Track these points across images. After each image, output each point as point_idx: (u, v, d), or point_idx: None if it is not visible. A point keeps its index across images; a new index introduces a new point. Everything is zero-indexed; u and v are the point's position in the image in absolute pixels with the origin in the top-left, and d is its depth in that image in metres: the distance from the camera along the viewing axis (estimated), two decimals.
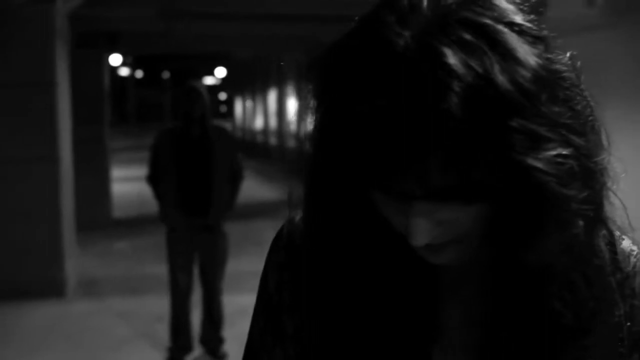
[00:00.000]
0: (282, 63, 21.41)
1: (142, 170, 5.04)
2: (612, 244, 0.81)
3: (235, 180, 5.03)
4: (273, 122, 23.60)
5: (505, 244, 0.69)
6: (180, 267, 4.96)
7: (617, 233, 0.83)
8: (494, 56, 0.63)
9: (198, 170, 4.82)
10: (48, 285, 6.90)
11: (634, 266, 0.82)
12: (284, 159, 21.23)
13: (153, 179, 4.99)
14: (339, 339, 0.80)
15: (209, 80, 50.85)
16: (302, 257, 0.85)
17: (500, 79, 0.62)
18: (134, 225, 11.23)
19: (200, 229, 4.88)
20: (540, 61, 0.65)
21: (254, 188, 15.19)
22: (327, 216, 0.78)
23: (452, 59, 0.62)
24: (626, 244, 0.84)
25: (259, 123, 26.80)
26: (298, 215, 0.88)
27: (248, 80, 28.60)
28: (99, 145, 11.16)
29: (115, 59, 22.72)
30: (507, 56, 0.63)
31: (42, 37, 6.79)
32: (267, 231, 10.06)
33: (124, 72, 46.15)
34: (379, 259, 0.79)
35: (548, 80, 0.66)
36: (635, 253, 0.84)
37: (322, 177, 0.75)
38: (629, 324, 0.80)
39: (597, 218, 0.74)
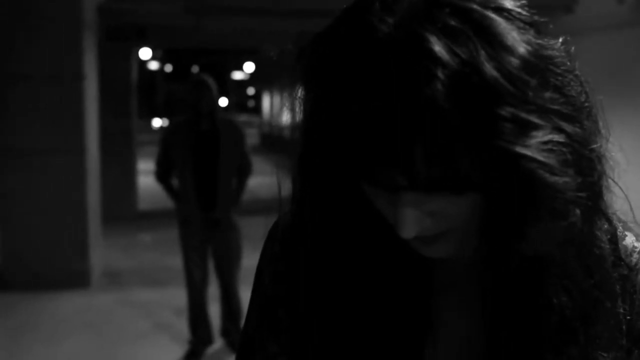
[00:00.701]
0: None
1: (154, 164, 5.06)
2: (615, 237, 0.80)
3: (242, 175, 5.01)
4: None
5: (498, 234, 0.67)
6: (194, 261, 4.97)
7: (620, 228, 0.81)
8: (480, 43, 0.61)
9: (207, 164, 4.82)
10: (73, 276, 6.98)
11: (637, 264, 0.80)
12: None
13: (162, 175, 5.00)
14: (333, 333, 0.80)
15: (237, 75, 50.99)
16: (295, 250, 0.84)
17: (487, 66, 0.60)
18: (158, 217, 11.30)
19: (211, 223, 4.89)
20: (529, 47, 0.64)
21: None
22: (317, 209, 0.77)
23: (436, 45, 0.60)
24: (629, 240, 0.82)
25: (286, 118, 26.78)
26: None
27: (276, 75, 28.63)
28: (126, 138, 11.25)
29: (145, 53, 22.88)
30: (494, 43, 0.62)
31: (71, 29, 6.85)
32: None
33: (154, 66, 46.47)
34: (371, 252, 0.78)
35: (538, 66, 0.64)
36: (638, 250, 0.81)
37: (310, 169, 0.74)
38: (629, 317, 0.78)
39: (595, 207, 0.72)
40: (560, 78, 0.67)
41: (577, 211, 0.67)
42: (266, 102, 33.61)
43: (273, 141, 26.28)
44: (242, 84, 52.79)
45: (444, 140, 0.60)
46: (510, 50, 0.62)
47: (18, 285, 6.84)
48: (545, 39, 0.67)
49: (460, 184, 0.64)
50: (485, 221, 0.68)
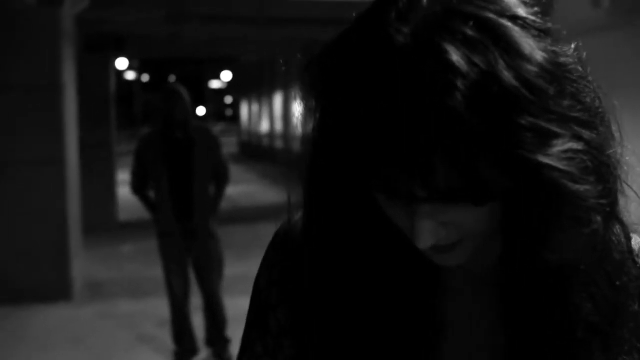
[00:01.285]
0: (283, 65, 21.37)
1: (129, 176, 5.03)
2: (629, 240, 0.79)
3: (219, 183, 4.98)
4: (279, 125, 23.62)
5: (521, 243, 0.67)
6: (175, 272, 4.93)
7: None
8: (498, 51, 0.60)
9: (182, 174, 4.79)
10: (55, 288, 6.91)
11: None
12: (290, 162, 21.23)
13: (137, 187, 4.96)
14: (339, 339, 0.79)
15: (215, 84, 50.94)
16: (298, 257, 0.83)
17: (506, 75, 0.59)
18: (139, 228, 11.22)
19: (189, 233, 4.86)
20: (546, 55, 0.63)
21: (260, 192, 15.19)
22: (328, 217, 0.76)
23: (454, 55, 0.59)
24: (635, 242, 0.81)
25: (265, 126, 26.82)
26: (296, 216, 0.87)
27: (254, 84, 28.64)
28: (105, 149, 11.19)
29: (121, 63, 22.78)
30: (512, 51, 0.61)
31: (50, 40, 6.80)
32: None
33: (131, 76, 46.26)
34: (380, 258, 0.77)
35: (555, 74, 0.63)
36: None
37: (323, 179, 0.74)
38: None
39: (613, 212, 0.71)
40: (575, 85, 0.66)
41: (599, 218, 0.67)
42: (244, 110, 33.57)
43: (252, 149, 26.26)
44: (220, 93, 52.73)
45: (464, 150, 0.59)
46: (527, 59, 0.61)
47: None
48: (559, 46, 0.67)
49: (480, 194, 0.63)
50: (507, 230, 0.68)
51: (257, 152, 25.82)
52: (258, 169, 20.03)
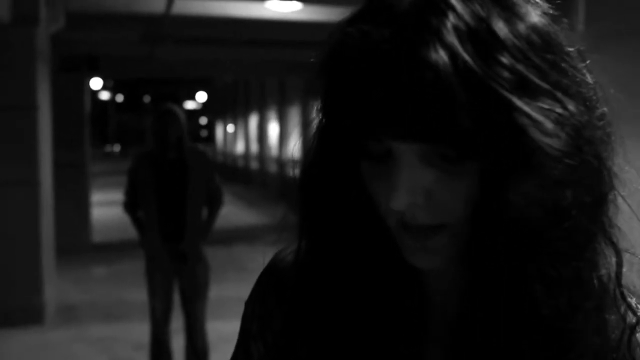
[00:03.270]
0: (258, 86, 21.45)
1: (122, 195, 4.97)
2: (619, 264, 0.73)
3: (212, 206, 4.94)
4: (254, 146, 23.61)
5: (486, 194, 0.65)
6: (158, 295, 4.86)
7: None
8: (495, 7, 0.64)
9: (174, 195, 4.74)
10: (27, 312, 6.78)
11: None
12: (265, 183, 21.21)
13: (130, 206, 4.92)
14: (329, 346, 0.79)
15: (189, 105, 50.86)
16: (284, 291, 0.84)
17: (498, 24, 0.62)
18: (113, 250, 11.13)
19: (179, 256, 4.81)
20: (542, 19, 0.66)
21: (234, 213, 15.13)
22: (321, 221, 0.77)
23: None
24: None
25: (240, 148, 26.80)
26: (285, 251, 0.88)
27: (229, 105, 28.65)
28: (79, 170, 11.09)
29: (95, 83, 22.67)
30: (509, 9, 0.64)
31: (24, 60, 6.74)
32: (249, 256, 10.00)
33: (105, 96, 46.06)
34: (369, 268, 0.77)
35: (546, 38, 0.66)
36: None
37: (320, 183, 0.76)
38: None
39: (598, 198, 0.68)
40: (567, 59, 0.67)
41: (568, 192, 0.65)
42: (219, 131, 33.53)
43: (228, 171, 26.19)
44: (195, 114, 52.63)
45: (437, 82, 0.60)
46: (521, 18, 0.64)
47: None
48: (560, 28, 0.68)
49: (456, 139, 0.62)
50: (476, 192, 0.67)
51: (232, 173, 25.76)
52: (233, 190, 19.97)
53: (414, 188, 0.65)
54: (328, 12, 7.76)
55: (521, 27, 0.64)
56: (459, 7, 0.62)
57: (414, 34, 0.62)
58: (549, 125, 0.62)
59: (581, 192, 0.66)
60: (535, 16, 0.66)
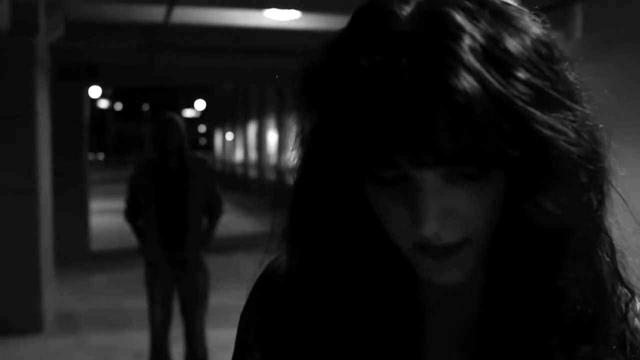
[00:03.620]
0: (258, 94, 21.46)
1: (121, 203, 4.98)
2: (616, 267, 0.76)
3: (213, 214, 4.96)
4: (253, 154, 23.60)
5: (512, 205, 0.68)
6: (158, 302, 4.87)
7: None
8: (501, 23, 0.64)
9: (175, 203, 4.76)
10: (26, 320, 6.77)
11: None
12: (263, 192, 21.20)
13: (130, 214, 4.93)
14: (328, 354, 0.79)
15: (188, 113, 50.90)
16: (278, 301, 0.84)
17: (510, 41, 0.63)
18: (112, 258, 11.11)
19: (179, 264, 4.81)
20: (543, 31, 0.68)
21: (233, 221, 15.11)
22: (317, 227, 0.77)
23: (458, 17, 0.63)
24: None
25: (238, 156, 26.79)
26: (280, 259, 0.88)
27: (228, 113, 28.66)
28: (78, 178, 11.08)
29: (94, 91, 22.68)
30: (512, 24, 0.65)
31: (24, 68, 6.74)
32: (247, 265, 9.99)
33: (104, 104, 46.09)
34: (365, 274, 0.77)
35: (551, 49, 0.67)
36: None
37: (313, 195, 0.75)
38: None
39: (604, 196, 0.71)
40: (567, 68, 0.69)
41: (588, 183, 0.68)
42: (218, 139, 33.53)
43: (227, 179, 26.19)
44: (193, 122, 52.66)
45: (470, 107, 0.60)
46: (524, 32, 0.66)
47: None
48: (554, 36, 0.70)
49: (484, 159, 0.63)
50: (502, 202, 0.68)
51: (231, 182, 25.75)
52: (232, 198, 19.95)
53: (441, 212, 0.65)
54: (327, 20, 7.77)
55: (527, 40, 0.65)
56: (468, 27, 0.62)
57: (435, 61, 0.61)
58: (571, 134, 0.65)
59: (596, 192, 0.69)
60: (536, 28, 0.67)
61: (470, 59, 0.61)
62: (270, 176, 20.48)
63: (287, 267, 0.84)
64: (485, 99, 0.60)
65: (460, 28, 0.62)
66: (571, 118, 0.65)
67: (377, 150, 0.63)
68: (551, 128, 0.63)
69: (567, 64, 0.70)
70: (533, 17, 0.69)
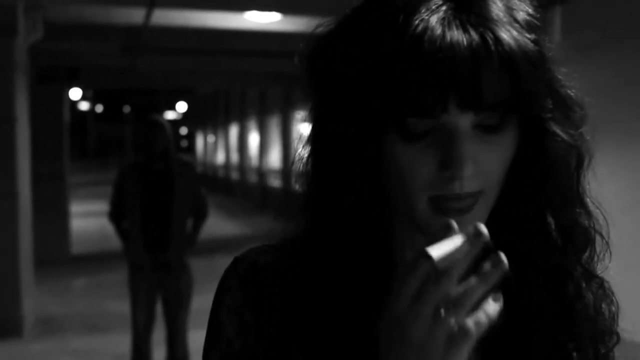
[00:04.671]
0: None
1: (102, 205, 4.98)
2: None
3: (198, 217, 4.96)
4: (234, 157, 23.56)
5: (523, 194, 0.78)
6: (141, 304, 4.85)
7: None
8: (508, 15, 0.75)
9: (160, 206, 4.76)
10: (5, 324, 6.72)
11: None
12: (245, 194, 21.16)
13: (115, 216, 4.91)
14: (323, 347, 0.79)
15: (170, 115, 50.70)
16: (267, 283, 0.83)
17: (517, 11, 0.75)
18: (93, 261, 11.05)
19: (163, 266, 4.80)
20: (532, 11, 0.78)
21: (215, 223, 15.07)
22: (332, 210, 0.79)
23: None
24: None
25: (220, 158, 26.73)
26: (252, 253, 0.86)
27: (209, 115, 28.59)
28: (58, 181, 11.01)
29: (75, 93, 22.54)
30: (510, 1, 0.76)
31: (2, 71, 6.69)
32: None
33: (84, 106, 45.81)
34: (365, 263, 0.79)
35: (539, 25, 0.77)
36: None
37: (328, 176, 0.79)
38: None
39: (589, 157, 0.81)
40: (557, 72, 0.78)
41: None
42: (200, 141, 33.44)
43: (208, 181, 26.11)
44: (175, 124, 52.46)
45: (512, 56, 0.70)
46: (521, 8, 0.76)
47: None
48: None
49: (518, 105, 0.72)
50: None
51: (213, 184, 25.68)
52: (214, 200, 19.89)
53: (472, 156, 0.71)
54: (307, 22, 7.75)
55: (525, 14, 0.76)
56: None
57: (477, 18, 0.71)
58: (576, 91, 0.79)
59: (582, 140, 0.80)
60: (527, 7, 0.78)
61: (503, 19, 0.71)
62: (252, 178, 20.45)
63: (268, 260, 0.85)
64: (519, 51, 0.70)
65: None
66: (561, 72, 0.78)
67: (428, 96, 0.70)
68: (563, 83, 0.77)
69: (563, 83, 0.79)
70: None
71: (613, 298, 0.85)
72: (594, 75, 5.44)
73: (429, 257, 0.61)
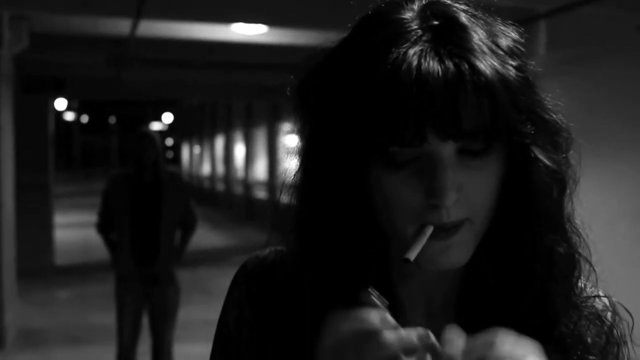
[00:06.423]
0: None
1: (86, 217, 4.97)
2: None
3: (186, 229, 4.95)
4: (220, 168, 23.51)
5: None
6: (128, 317, 4.82)
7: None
8: (488, 25, 0.77)
9: (149, 218, 4.74)
10: None
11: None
12: (231, 205, 21.11)
13: (103, 227, 4.88)
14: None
15: (156, 126, 50.61)
16: (269, 288, 0.86)
17: (499, 38, 0.76)
18: (77, 272, 10.97)
19: (151, 279, 4.77)
20: (517, 36, 0.79)
21: (201, 235, 15.01)
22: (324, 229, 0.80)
23: (464, 17, 0.75)
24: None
25: (206, 169, 26.67)
26: (264, 252, 0.90)
27: (195, 126, 28.54)
28: (42, 191, 10.93)
29: (60, 104, 22.44)
30: (494, 27, 0.77)
31: None
32: (215, 279, 9.93)
33: (69, 116, 45.63)
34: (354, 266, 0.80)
35: (522, 50, 0.78)
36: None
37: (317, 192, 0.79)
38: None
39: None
40: (539, 97, 0.79)
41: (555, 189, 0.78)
42: (185, 152, 33.36)
43: (194, 192, 26.02)
44: (161, 135, 52.33)
45: (489, 85, 0.70)
46: (505, 34, 0.78)
47: None
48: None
49: (497, 132, 0.72)
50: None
51: (198, 195, 25.61)
52: (199, 211, 19.84)
53: (456, 185, 0.72)
54: (294, 35, 7.78)
55: (509, 40, 0.77)
56: (472, 25, 0.75)
57: (455, 49, 0.72)
58: (560, 116, 0.79)
59: (567, 165, 0.81)
60: (511, 32, 0.79)
61: (482, 48, 0.72)
62: (238, 190, 20.41)
63: (283, 256, 0.88)
64: (497, 80, 0.70)
65: (466, 25, 0.73)
66: (548, 98, 0.79)
67: (406, 127, 0.70)
68: (547, 108, 0.77)
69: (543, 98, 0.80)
70: (502, 24, 0.79)
71: (604, 327, 0.84)
72: (578, 89, 5.48)
73: (408, 261, 0.69)
